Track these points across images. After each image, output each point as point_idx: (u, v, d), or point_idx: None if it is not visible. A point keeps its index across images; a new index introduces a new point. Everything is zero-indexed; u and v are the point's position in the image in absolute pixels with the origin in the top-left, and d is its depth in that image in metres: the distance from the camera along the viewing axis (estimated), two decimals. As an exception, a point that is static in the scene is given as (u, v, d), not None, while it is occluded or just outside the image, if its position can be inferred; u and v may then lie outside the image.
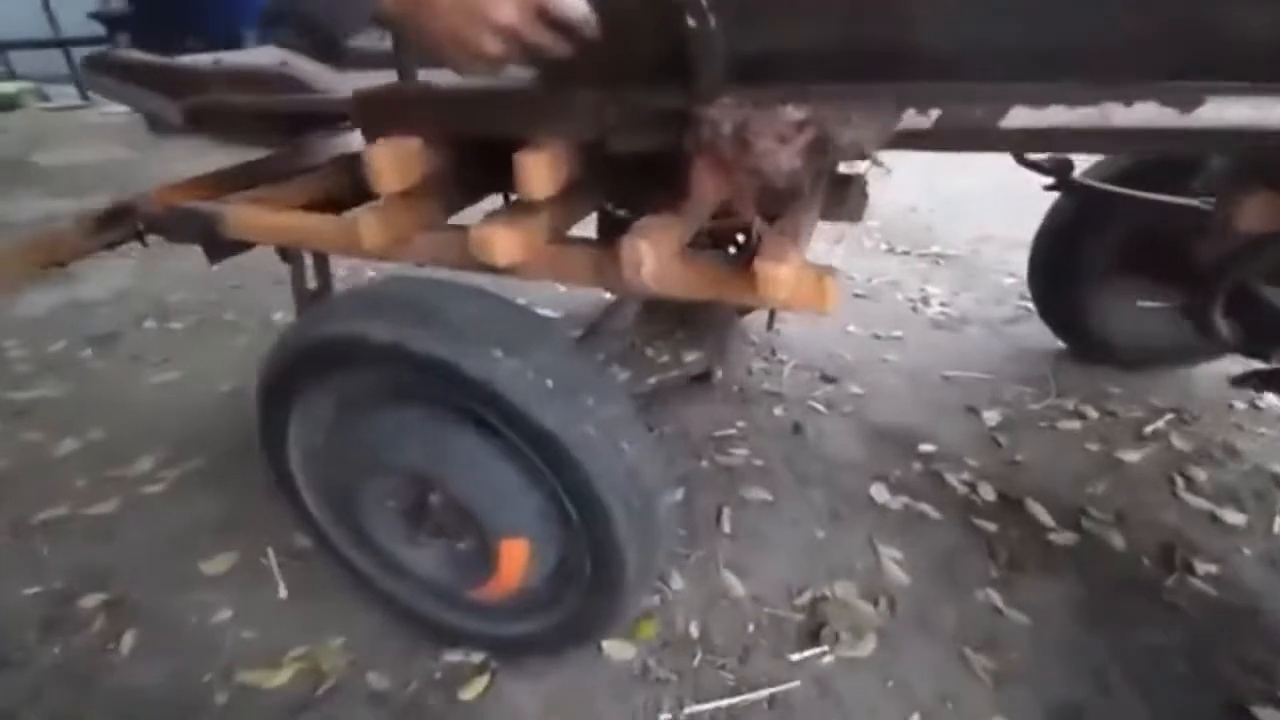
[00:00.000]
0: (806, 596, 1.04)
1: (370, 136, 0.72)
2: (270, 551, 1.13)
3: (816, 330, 1.86)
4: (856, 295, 2.13)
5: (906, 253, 2.47)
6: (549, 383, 0.63)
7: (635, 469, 0.69)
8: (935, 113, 0.53)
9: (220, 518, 1.21)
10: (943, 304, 2.08)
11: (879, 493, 1.26)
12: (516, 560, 0.74)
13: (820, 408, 1.53)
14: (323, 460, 0.84)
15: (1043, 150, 0.59)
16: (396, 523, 0.81)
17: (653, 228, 0.65)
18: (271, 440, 0.85)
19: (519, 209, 0.72)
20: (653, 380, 1.41)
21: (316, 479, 0.87)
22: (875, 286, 2.21)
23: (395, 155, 0.68)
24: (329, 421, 0.80)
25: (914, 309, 2.04)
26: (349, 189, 1.09)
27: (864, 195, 0.89)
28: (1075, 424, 1.48)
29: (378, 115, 0.72)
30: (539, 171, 0.63)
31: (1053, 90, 0.51)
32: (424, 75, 0.76)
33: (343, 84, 1.02)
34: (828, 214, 0.92)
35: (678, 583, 1.06)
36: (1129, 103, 0.50)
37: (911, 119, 0.54)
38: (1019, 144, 0.55)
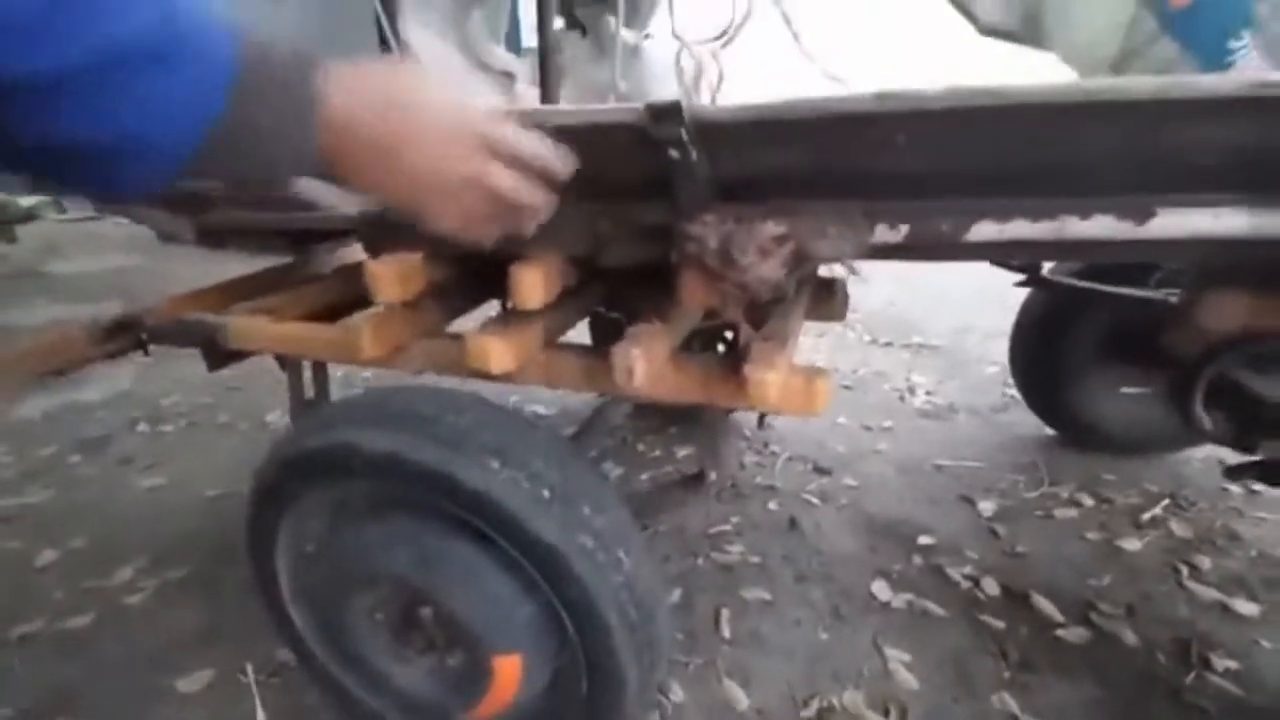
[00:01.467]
0: (813, 708, 0.99)
1: (374, 252, 0.75)
2: (249, 668, 1.07)
3: (807, 422, 1.87)
4: (844, 387, 2.16)
5: (890, 344, 2.53)
6: (545, 492, 0.63)
7: (633, 579, 0.67)
8: (905, 227, 0.57)
9: (199, 629, 1.16)
10: (929, 393, 2.11)
11: (880, 590, 1.23)
12: (510, 677, 0.71)
13: (815, 500, 1.52)
14: (312, 568, 0.82)
15: (1008, 259, 0.62)
16: (385, 636, 0.78)
17: (643, 335, 0.68)
18: (259, 546, 0.83)
19: (513, 318, 0.74)
20: (645, 477, 1.40)
21: (304, 587, 0.85)
22: (862, 378, 2.24)
23: (397, 269, 0.71)
24: (320, 529, 0.79)
25: (901, 399, 2.07)
26: (350, 298, 1.12)
27: (845, 296, 0.93)
28: (1072, 512, 1.47)
29: (381, 232, 0.76)
30: (533, 283, 0.66)
31: (1014, 205, 0.56)
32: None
33: (344, 198, 1.08)
34: (811, 314, 0.95)
35: (677, 694, 1.01)
36: (1085, 216, 0.54)
37: (883, 232, 0.58)
38: (985, 255, 0.59)
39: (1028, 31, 0.80)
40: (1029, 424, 1.81)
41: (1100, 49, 0.74)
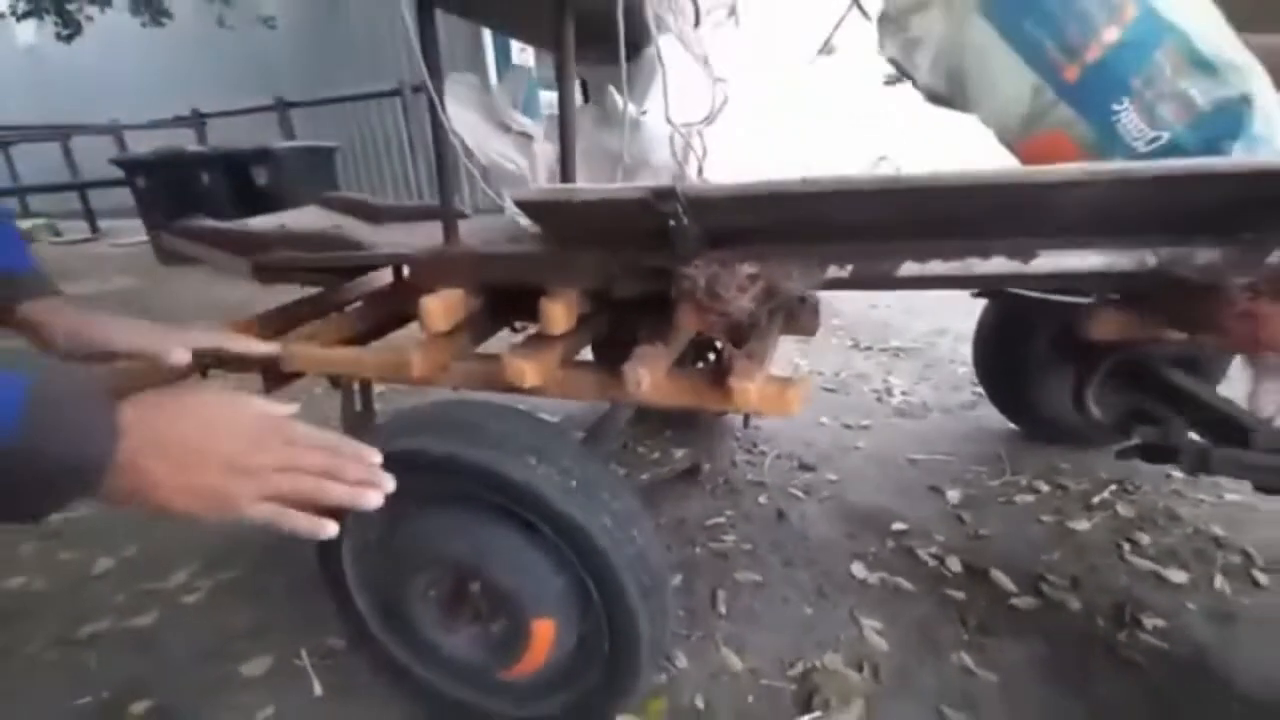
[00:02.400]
0: (798, 668, 1.15)
1: (423, 288, 0.91)
2: (304, 653, 1.22)
3: (793, 423, 2.04)
4: (827, 389, 2.33)
5: (869, 348, 2.70)
6: (573, 483, 0.78)
7: (644, 552, 0.83)
8: (850, 267, 0.73)
9: (254, 623, 1.31)
10: (905, 393, 2.28)
11: (858, 570, 1.39)
12: (545, 638, 0.86)
13: (800, 494, 1.68)
14: (374, 557, 0.97)
15: (930, 289, 0.79)
16: (437, 611, 0.93)
17: (647, 354, 0.84)
18: (327, 542, 0.98)
19: (539, 341, 0.90)
20: (646, 476, 1.56)
21: (366, 574, 1.00)
22: (844, 380, 2.41)
23: (443, 303, 0.87)
24: (382, 522, 0.94)
25: (879, 399, 2.24)
26: (378, 323, 1.28)
27: (815, 314, 1.09)
28: (1030, 498, 1.64)
29: (430, 272, 0.91)
30: (557, 314, 0.82)
31: (931, 250, 0.72)
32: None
33: (378, 236, 1.23)
34: (789, 330, 1.11)
35: (682, 661, 1.16)
36: (985, 257, 0.71)
37: (833, 271, 0.74)
38: (911, 286, 0.75)
39: (955, 96, 0.97)
40: (995, 420, 1.98)
41: (1012, 113, 0.91)
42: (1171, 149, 0.86)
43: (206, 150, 4.53)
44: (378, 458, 0.56)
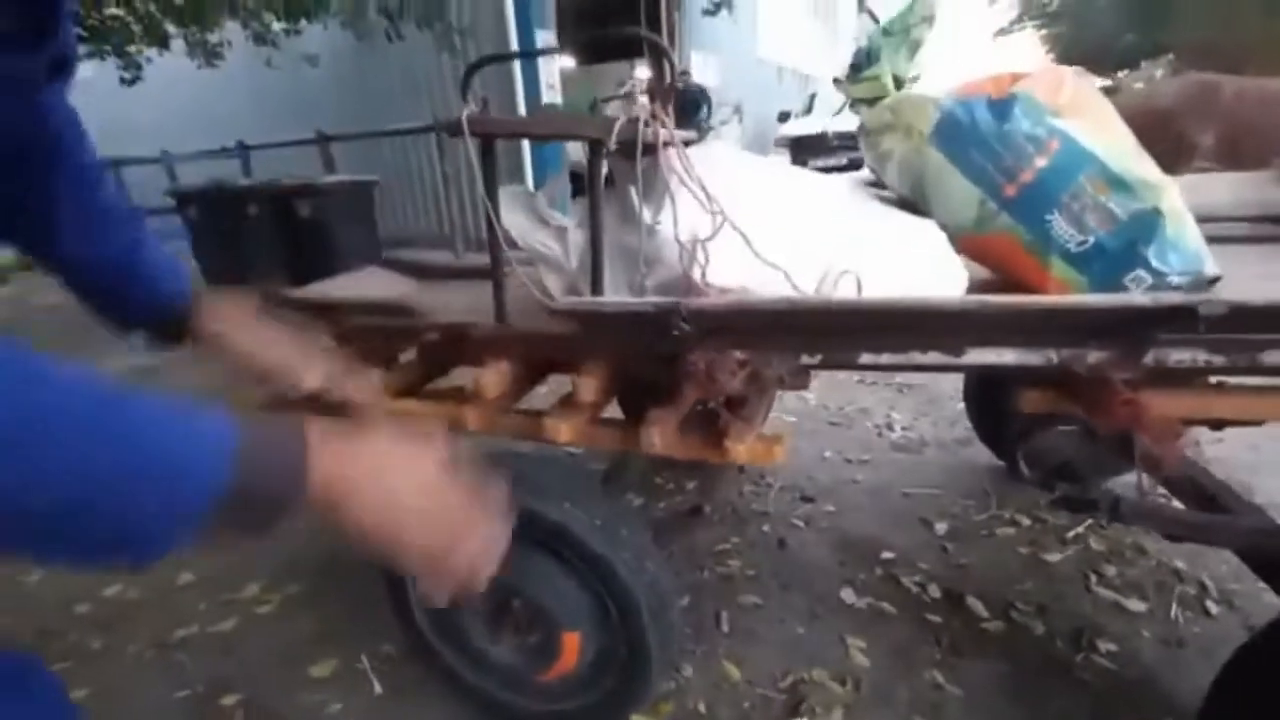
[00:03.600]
0: (789, 680, 1.33)
1: (479, 359, 1.12)
2: (364, 657, 1.42)
3: (797, 457, 2.22)
4: (832, 424, 2.51)
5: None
6: (598, 522, 0.98)
7: (655, 580, 1.02)
8: (820, 356, 0.93)
9: (319, 631, 1.52)
10: (904, 429, 2.44)
11: (848, 595, 1.56)
12: (573, 648, 1.06)
13: (800, 524, 1.86)
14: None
15: (885, 371, 0.98)
16: (483, 624, 1.13)
17: (659, 417, 1.03)
18: (391, 565, 1.18)
19: (573, 404, 1.10)
20: (662, 505, 1.75)
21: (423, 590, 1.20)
22: (848, 414, 2.58)
23: (496, 376, 1.08)
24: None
25: (880, 434, 2.41)
26: (424, 377, 1.49)
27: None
28: (1011, 530, 1.80)
29: (484, 346, 1.12)
30: (587, 387, 1.02)
31: (882, 345, 0.91)
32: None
33: (437, 299, 1.45)
34: (786, 386, 1.31)
35: (688, 670, 1.35)
36: (924, 351, 0.90)
37: (806, 359, 0.93)
38: (870, 368, 0.94)
39: (918, 201, 1.16)
40: (985, 456, 2.14)
41: (962, 218, 1.10)
42: (1098, 250, 1.05)
43: (254, 184, 4.84)
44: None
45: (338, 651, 1.45)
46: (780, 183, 1.13)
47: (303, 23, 3.73)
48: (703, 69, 8.73)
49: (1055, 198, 1.05)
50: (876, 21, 1.22)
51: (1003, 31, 16.42)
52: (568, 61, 12.72)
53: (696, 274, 0.96)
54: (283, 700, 1.34)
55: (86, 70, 4.49)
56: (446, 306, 1.37)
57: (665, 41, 7.57)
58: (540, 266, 1.22)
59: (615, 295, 1.10)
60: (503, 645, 1.14)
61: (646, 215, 1.07)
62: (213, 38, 3.89)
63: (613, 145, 0.93)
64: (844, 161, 8.64)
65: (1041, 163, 1.04)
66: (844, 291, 0.93)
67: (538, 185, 5.80)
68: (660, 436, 1.01)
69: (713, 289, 0.97)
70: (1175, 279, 1.01)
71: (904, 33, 1.13)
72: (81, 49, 4.25)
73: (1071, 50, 14.11)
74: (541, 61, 5.53)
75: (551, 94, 5.67)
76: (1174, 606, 1.50)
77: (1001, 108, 1.04)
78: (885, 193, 1.22)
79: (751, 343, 0.92)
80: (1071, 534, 1.77)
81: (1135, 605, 1.51)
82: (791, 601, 1.56)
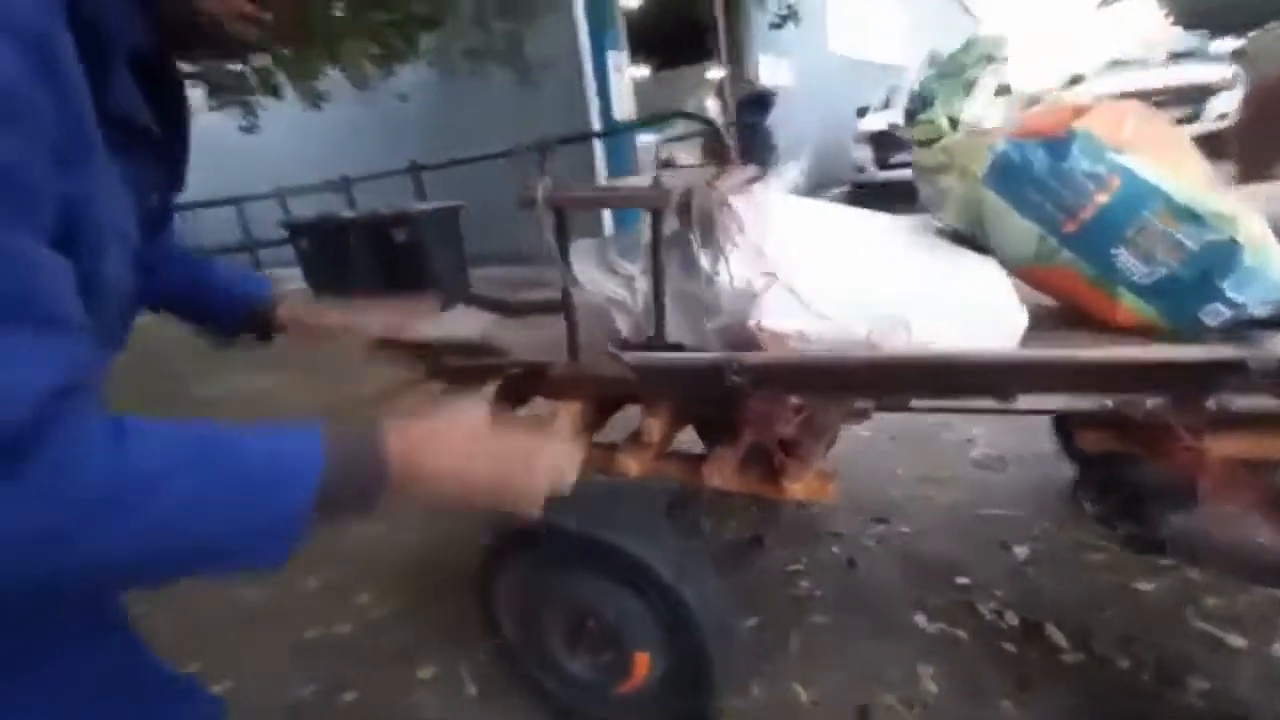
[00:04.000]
0: (857, 703, 1.36)
1: (559, 398, 1.23)
2: (461, 666, 1.57)
3: (871, 475, 2.22)
4: (908, 439, 2.48)
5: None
6: (669, 555, 1.07)
7: (717, 605, 1.10)
8: (871, 402, 0.98)
9: (422, 637, 1.68)
10: (987, 445, 2.38)
11: (919, 619, 1.57)
12: (642, 666, 1.15)
13: (871, 544, 1.87)
14: (517, 593, 1.30)
15: (939, 413, 1.01)
16: (562, 639, 1.25)
17: (720, 456, 1.11)
18: (484, 578, 1.32)
19: (641, 442, 1.20)
20: (730, 528, 1.81)
21: (510, 606, 1.33)
22: (927, 429, 2.54)
23: (572, 415, 1.19)
24: (524, 569, 1.27)
25: (960, 451, 2.36)
26: (513, 402, 1.62)
27: (863, 414, 1.32)
28: (1098, 556, 1.73)
29: (561, 386, 1.24)
30: (653, 428, 1.11)
31: (936, 393, 0.95)
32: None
33: (518, 337, 1.58)
34: (848, 421, 1.35)
35: (755, 691, 1.41)
36: (975, 397, 0.93)
37: (859, 403, 0.99)
38: (925, 411, 0.98)
39: (976, 237, 1.18)
40: (1073, 474, 2.06)
41: (1021, 254, 1.10)
42: (1169, 282, 1.04)
43: (355, 215, 5.28)
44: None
45: (438, 656, 1.61)
46: (835, 229, 1.18)
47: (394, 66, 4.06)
48: (773, 71, 8.64)
49: (1119, 233, 1.05)
50: (974, 17, 1.24)
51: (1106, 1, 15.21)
52: (641, 70, 12.93)
53: (752, 322, 1.03)
54: (391, 699, 1.51)
55: (212, 118, 5.04)
56: (527, 343, 1.50)
57: (725, 58, 7.60)
58: (612, 309, 1.33)
59: (679, 337, 1.19)
60: (579, 660, 1.24)
61: (705, 265, 1.15)
62: (318, 85, 4.29)
63: (671, 214, 1.01)
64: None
65: (1102, 199, 1.04)
66: (895, 339, 0.97)
67: (616, 217, 6.00)
68: (720, 473, 1.09)
69: (768, 335, 1.04)
70: (1257, 310, 0.99)
71: (959, 74, 1.15)
72: (208, 100, 4.77)
73: (1192, 9, 12.88)
74: (613, 79, 5.69)
75: (625, 112, 5.82)
76: (1277, 645, 1.42)
77: (1058, 147, 1.05)
78: (944, 226, 1.24)
79: (803, 391, 0.98)
80: (1165, 561, 1.69)
81: (1234, 640, 1.44)
82: (861, 624, 1.58)
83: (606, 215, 5.62)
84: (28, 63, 0.39)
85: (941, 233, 1.24)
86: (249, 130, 4.74)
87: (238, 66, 4.10)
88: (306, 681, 1.58)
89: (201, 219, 6.96)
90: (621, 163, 5.87)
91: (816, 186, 9.27)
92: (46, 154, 0.41)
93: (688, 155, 6.18)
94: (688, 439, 1.66)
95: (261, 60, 3.95)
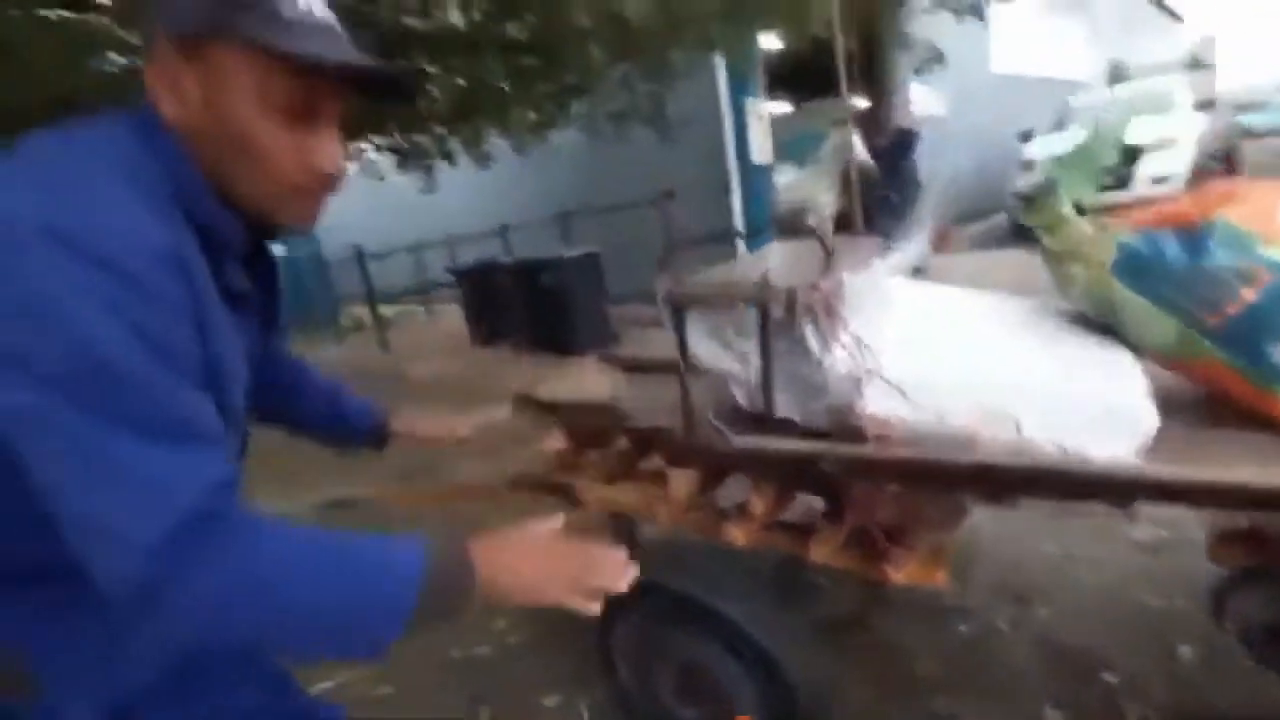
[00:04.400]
0: (974, 799, 1.31)
1: (671, 464, 1.35)
2: (580, 699, 1.71)
3: (1011, 546, 2.08)
4: (1057, 510, 2.29)
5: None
6: (769, 621, 1.13)
7: (816, 677, 1.14)
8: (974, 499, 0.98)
9: (551, 667, 1.84)
10: (1151, 522, 2.14)
11: (1053, 715, 1.47)
12: (744, 724, 1.21)
13: (1004, 626, 1.76)
14: (631, 641, 1.41)
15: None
16: (672, 688, 1.34)
17: (823, 533, 1.16)
18: (604, 626, 1.45)
19: (746, 514, 1.27)
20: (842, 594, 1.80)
21: (625, 652, 1.44)
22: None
23: (685, 482, 1.29)
24: (639, 619, 1.38)
25: (1118, 527, 2.14)
26: (633, 459, 1.75)
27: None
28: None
29: (677, 452, 1.35)
30: (760, 501, 1.19)
31: (1031, 493, 0.94)
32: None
33: (641, 398, 1.71)
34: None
35: (864, 768, 1.40)
36: (1088, 500, 0.91)
37: (971, 504, 1.00)
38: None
39: (1109, 322, 1.13)
40: (1259, 569, 1.81)
41: (1160, 345, 1.04)
42: (1340, 378, 0.95)
43: (509, 261, 5.83)
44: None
45: (562, 687, 1.76)
46: (948, 313, 1.20)
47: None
48: (924, 101, 8.28)
49: (1274, 329, 0.97)
50: (1180, 20, 1.21)
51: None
52: (781, 106, 12.95)
53: (857, 409, 1.08)
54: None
55: (397, 180, 5.82)
56: (650, 405, 1.63)
57: (861, 101, 7.41)
58: (728, 380, 1.42)
59: (788, 413, 1.26)
60: (688, 711, 1.32)
61: (814, 349, 1.21)
62: (485, 148, 4.86)
63: (780, 313, 1.09)
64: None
65: (1250, 296, 0.97)
66: (1000, 436, 0.98)
67: (747, 233, 6.06)
68: (824, 550, 1.13)
69: (871, 423, 1.08)
70: None
71: (1086, 162, 1.13)
72: (390, 161, 5.51)
73: None
74: (751, 125, 5.83)
75: (762, 156, 5.92)
76: None
77: (1194, 240, 1.00)
78: (1073, 309, 1.20)
79: (902, 482, 1.01)
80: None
81: None
82: (987, 712, 1.51)
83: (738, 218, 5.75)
84: (167, 268, 0.54)
85: (1069, 316, 1.21)
86: (427, 191, 5.43)
87: (420, 138, 4.74)
88: (452, 696, 1.80)
89: (386, 265, 8.00)
90: (759, 208, 5.96)
91: (973, 218, 8.73)
92: (188, 326, 0.56)
93: (826, 200, 6.12)
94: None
95: (439, 131, 4.55)
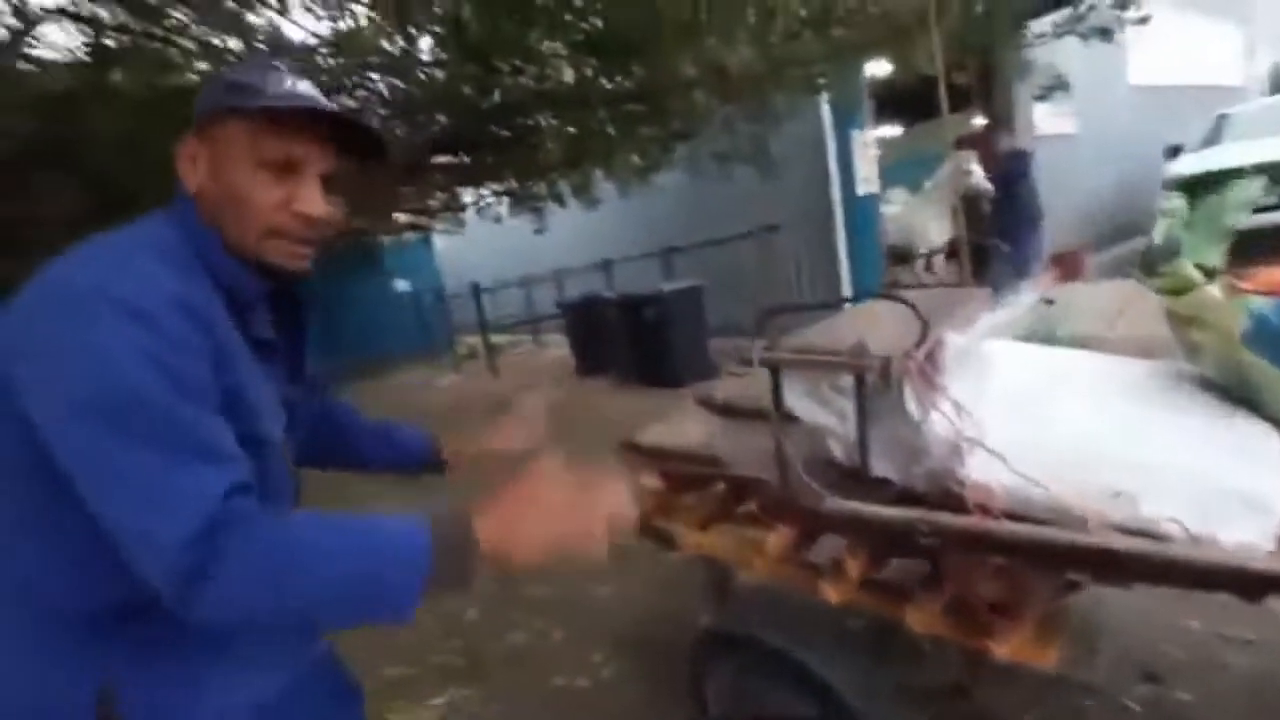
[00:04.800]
0: None
1: (766, 516, 1.38)
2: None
3: (1148, 620, 1.90)
4: (1201, 581, 2.07)
5: None
6: (860, 681, 1.13)
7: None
8: (1087, 577, 0.95)
9: (642, 702, 1.89)
10: (1322, 604, 1.89)
11: (1191, 816, 1.34)
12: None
13: (1135, 707, 1.62)
14: (724, 683, 1.44)
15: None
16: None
17: (923, 600, 1.14)
18: (695, 663, 1.48)
19: (841, 571, 1.27)
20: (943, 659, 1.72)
21: (719, 694, 1.47)
22: (1230, 571, 2.10)
23: (781, 539, 1.32)
24: (730, 663, 1.41)
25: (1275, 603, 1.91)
26: (729, 506, 1.78)
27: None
28: None
29: (773, 508, 1.38)
30: (856, 563, 1.19)
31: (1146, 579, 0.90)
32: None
33: (732, 438, 1.75)
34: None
35: None
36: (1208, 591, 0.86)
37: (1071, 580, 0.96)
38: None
39: (1242, 392, 1.05)
40: None
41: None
42: None
43: (613, 296, 6.05)
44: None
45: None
46: (1059, 379, 1.16)
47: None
48: (1050, 120, 7.77)
49: None
50: None
51: None
52: (892, 130, 12.58)
53: (958, 476, 1.08)
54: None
55: (512, 220, 6.22)
56: (748, 452, 1.67)
57: (981, 120, 7.06)
58: (826, 435, 1.44)
59: (885, 472, 1.26)
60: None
61: (914, 411, 1.21)
62: (593, 191, 5.12)
63: (874, 381, 1.11)
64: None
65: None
66: (1115, 516, 0.94)
67: (852, 268, 5.95)
68: (920, 616, 1.12)
69: (972, 492, 1.07)
70: None
71: (1210, 224, 1.07)
72: (509, 210, 5.89)
73: None
74: (857, 156, 5.74)
75: (868, 186, 5.81)
76: None
77: (1338, 309, 0.93)
78: (1201, 376, 1.13)
79: (1006, 557, 0.99)
80: None
81: None
82: (1111, 803, 1.40)
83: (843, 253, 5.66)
84: (183, 315, 0.65)
85: (1197, 383, 1.14)
86: (539, 231, 5.77)
87: (533, 184, 5.07)
88: (552, 721, 1.89)
89: (498, 297, 8.52)
90: (866, 239, 5.83)
91: (1113, 240, 8.05)
92: (204, 362, 0.66)
93: (937, 227, 5.88)
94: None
95: (550, 178, 4.86)
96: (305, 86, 0.78)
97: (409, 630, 2.53)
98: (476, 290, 7.64)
